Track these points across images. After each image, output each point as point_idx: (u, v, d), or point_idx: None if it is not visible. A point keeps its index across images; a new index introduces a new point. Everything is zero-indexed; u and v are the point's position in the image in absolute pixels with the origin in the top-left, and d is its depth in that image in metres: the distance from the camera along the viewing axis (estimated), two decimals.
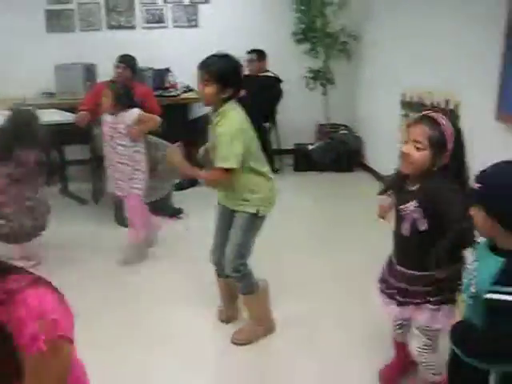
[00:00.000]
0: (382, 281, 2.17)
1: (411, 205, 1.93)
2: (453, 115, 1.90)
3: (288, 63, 5.81)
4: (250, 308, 2.81)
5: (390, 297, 2.10)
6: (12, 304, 0.99)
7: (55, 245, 3.82)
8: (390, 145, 4.84)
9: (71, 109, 4.85)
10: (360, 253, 3.55)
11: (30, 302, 1.01)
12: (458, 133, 1.90)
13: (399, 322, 2.25)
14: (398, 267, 2.07)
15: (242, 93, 2.67)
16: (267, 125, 5.74)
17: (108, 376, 2.35)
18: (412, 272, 2.01)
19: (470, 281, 1.56)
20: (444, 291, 1.98)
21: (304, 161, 5.82)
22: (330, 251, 2.95)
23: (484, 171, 1.52)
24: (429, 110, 1.96)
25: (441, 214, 1.84)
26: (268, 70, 5.69)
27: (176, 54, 5.90)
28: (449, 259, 1.86)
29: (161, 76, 5.84)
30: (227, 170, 2.48)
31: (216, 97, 2.48)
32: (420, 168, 1.92)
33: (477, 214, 1.51)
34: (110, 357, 2.56)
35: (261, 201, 2.59)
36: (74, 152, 5.50)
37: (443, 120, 1.88)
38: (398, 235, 2.06)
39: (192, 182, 5.35)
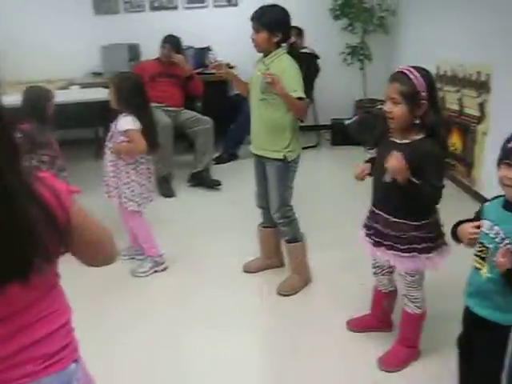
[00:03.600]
0: (365, 226, 2.33)
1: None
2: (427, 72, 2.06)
3: (325, 39, 5.90)
4: (294, 257, 3.04)
5: (369, 237, 2.27)
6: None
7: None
8: None
9: None
10: None
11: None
12: (432, 84, 2.05)
13: (377, 265, 2.42)
14: (377, 211, 2.22)
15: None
16: (307, 100, 5.86)
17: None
18: (389, 217, 2.16)
19: (498, 245, 1.61)
20: (418, 241, 2.12)
21: (341, 136, 5.93)
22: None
23: None
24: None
25: (423, 172, 1.98)
26: (305, 47, 5.80)
27: (216, 32, 6.08)
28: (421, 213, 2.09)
29: (202, 54, 6.02)
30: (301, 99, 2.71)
31: (267, 42, 2.74)
32: (402, 121, 2.06)
33: (506, 170, 1.61)
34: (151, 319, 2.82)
35: (287, 147, 2.80)
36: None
37: (413, 73, 2.01)
38: (378, 182, 2.17)
39: (231, 156, 5.56)
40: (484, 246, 1.66)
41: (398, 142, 2.11)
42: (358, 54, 5.94)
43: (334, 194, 4.47)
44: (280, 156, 2.80)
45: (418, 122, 2.05)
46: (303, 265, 3.06)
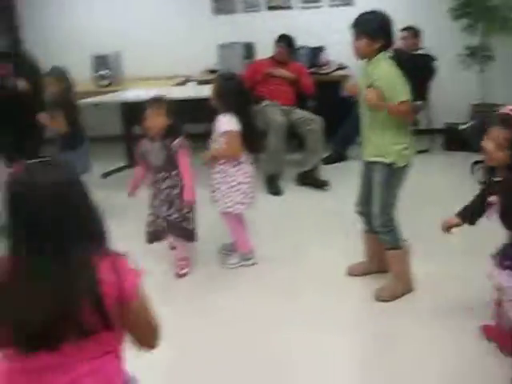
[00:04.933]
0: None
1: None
2: None
3: (443, 40, 5.70)
4: (394, 264, 2.97)
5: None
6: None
7: None
8: None
9: None
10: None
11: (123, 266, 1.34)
12: None
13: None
14: None
15: None
16: (419, 103, 5.71)
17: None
18: None
19: None
20: None
21: (455, 140, 5.71)
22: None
23: None
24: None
25: None
26: (421, 48, 5.64)
27: (330, 32, 6.05)
28: None
29: (315, 54, 6.05)
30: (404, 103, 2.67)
31: (367, 49, 2.71)
32: (501, 164, 2.10)
33: None
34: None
35: (397, 153, 2.73)
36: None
37: None
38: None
39: (340, 157, 5.54)
40: None
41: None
42: (478, 55, 5.68)
43: (445, 200, 4.31)
44: (388, 161, 2.75)
45: None
46: (404, 272, 2.97)
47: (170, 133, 3.10)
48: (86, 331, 1.27)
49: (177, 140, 3.10)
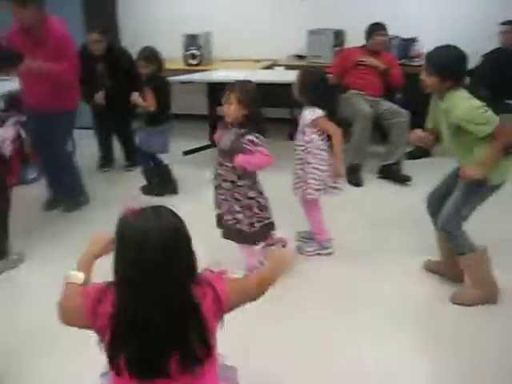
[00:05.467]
0: None
1: None
2: None
3: None
4: (466, 270, 2.91)
5: None
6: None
7: None
8: None
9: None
10: None
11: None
12: None
13: None
14: None
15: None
16: None
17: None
18: None
19: None
20: None
21: None
22: None
23: None
24: None
25: None
26: None
27: (424, 22, 5.88)
28: None
29: (407, 45, 5.89)
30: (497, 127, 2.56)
31: (438, 87, 2.66)
32: None
33: None
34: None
35: (490, 170, 2.63)
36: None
37: None
38: None
39: (424, 152, 5.39)
40: None
41: None
42: None
43: None
44: (484, 176, 2.64)
45: None
46: (481, 279, 2.86)
47: (247, 123, 2.80)
48: (194, 360, 1.43)
49: (250, 135, 2.78)
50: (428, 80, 2.68)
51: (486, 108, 2.59)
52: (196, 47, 6.06)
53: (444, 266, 3.12)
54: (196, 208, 3.55)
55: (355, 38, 5.42)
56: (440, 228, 2.86)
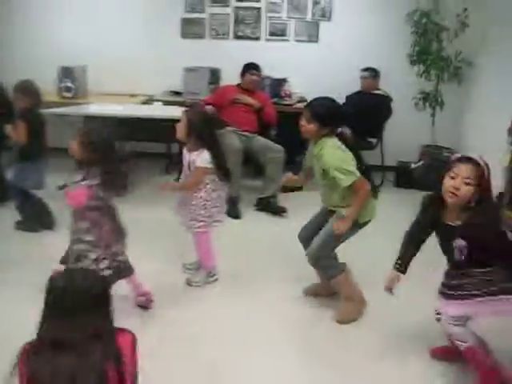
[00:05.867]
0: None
1: (461, 243, 2.35)
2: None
3: (399, 83, 6.00)
4: (339, 289, 3.18)
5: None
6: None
7: None
8: (493, 172, 4.94)
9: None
10: None
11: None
12: (488, 173, 2.30)
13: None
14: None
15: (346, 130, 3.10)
16: (374, 140, 5.99)
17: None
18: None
19: None
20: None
21: (405, 178, 6.00)
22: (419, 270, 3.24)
23: None
24: None
25: (488, 248, 2.29)
26: (379, 88, 5.93)
27: (294, 65, 6.30)
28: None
29: (278, 85, 6.24)
30: (356, 182, 2.86)
31: (316, 133, 2.95)
32: (463, 202, 2.32)
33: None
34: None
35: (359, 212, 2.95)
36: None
37: (485, 164, 2.29)
38: (450, 259, 2.48)
39: (298, 186, 5.69)
40: None
41: (452, 224, 2.38)
42: (430, 100, 6.02)
43: (392, 233, 4.52)
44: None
45: (472, 205, 2.31)
46: (352, 292, 3.16)
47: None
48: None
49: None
50: (307, 126, 2.94)
51: (352, 163, 2.91)
52: (71, 80, 5.94)
53: (321, 287, 3.37)
54: None
55: (230, 77, 5.68)
56: (308, 258, 3.11)
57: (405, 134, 6.20)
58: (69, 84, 5.92)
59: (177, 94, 6.35)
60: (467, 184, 2.27)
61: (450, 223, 2.38)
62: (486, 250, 2.31)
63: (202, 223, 3.36)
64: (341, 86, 5.63)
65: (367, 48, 6.25)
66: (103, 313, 1.66)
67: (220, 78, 6.30)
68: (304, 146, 5.59)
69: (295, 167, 5.64)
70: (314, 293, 3.40)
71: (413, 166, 5.97)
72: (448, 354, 2.75)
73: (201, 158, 3.24)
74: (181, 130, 3.26)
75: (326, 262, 3.09)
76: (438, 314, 2.59)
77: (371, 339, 2.97)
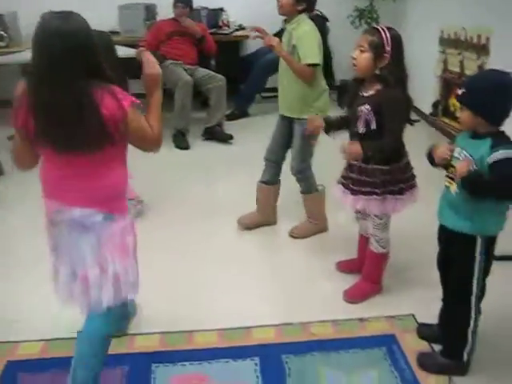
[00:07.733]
0: (342, 177, 2.60)
1: (365, 107, 2.35)
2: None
3: (334, 2, 6.04)
4: (308, 206, 3.29)
5: (346, 187, 2.53)
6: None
7: None
8: (427, 81, 5.15)
9: (134, 46, 5.22)
10: None
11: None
12: (398, 42, 2.33)
13: (356, 212, 2.70)
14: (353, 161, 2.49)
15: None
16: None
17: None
18: (362, 165, 2.44)
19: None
20: (389, 184, 2.42)
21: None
22: None
23: (467, 78, 1.93)
24: None
25: (385, 120, 2.32)
26: (316, 9, 5.96)
27: None
28: (389, 158, 2.38)
29: (215, 15, 6.21)
30: (311, 66, 2.91)
31: (290, 8, 2.93)
32: (364, 69, 2.34)
33: (463, 113, 1.94)
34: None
35: (318, 109, 3.01)
36: (133, 85, 5.96)
37: (384, 30, 2.31)
38: (353, 133, 2.48)
39: (242, 114, 5.82)
40: (453, 167, 1.95)
41: (365, 94, 2.39)
42: (365, 17, 6.10)
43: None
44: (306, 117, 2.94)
45: (378, 72, 2.32)
46: (318, 214, 3.28)
47: None
48: (93, 145, 1.68)
49: None
50: (283, 1, 2.92)
51: (321, 51, 2.96)
52: (2, 28, 5.79)
53: (259, 216, 3.40)
54: (21, 191, 3.62)
55: (166, 12, 5.62)
56: (295, 172, 3.15)
57: (344, 54, 6.19)
58: (1, 32, 5.77)
59: (115, 33, 6.24)
60: (362, 52, 2.30)
61: (363, 93, 2.41)
62: (384, 121, 2.32)
63: None
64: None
65: None
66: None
67: (156, 14, 6.21)
68: (245, 75, 5.73)
69: (239, 97, 5.80)
70: (251, 223, 3.41)
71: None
72: (350, 267, 2.89)
73: None
74: None
75: (309, 173, 3.17)
76: (357, 213, 2.69)
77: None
